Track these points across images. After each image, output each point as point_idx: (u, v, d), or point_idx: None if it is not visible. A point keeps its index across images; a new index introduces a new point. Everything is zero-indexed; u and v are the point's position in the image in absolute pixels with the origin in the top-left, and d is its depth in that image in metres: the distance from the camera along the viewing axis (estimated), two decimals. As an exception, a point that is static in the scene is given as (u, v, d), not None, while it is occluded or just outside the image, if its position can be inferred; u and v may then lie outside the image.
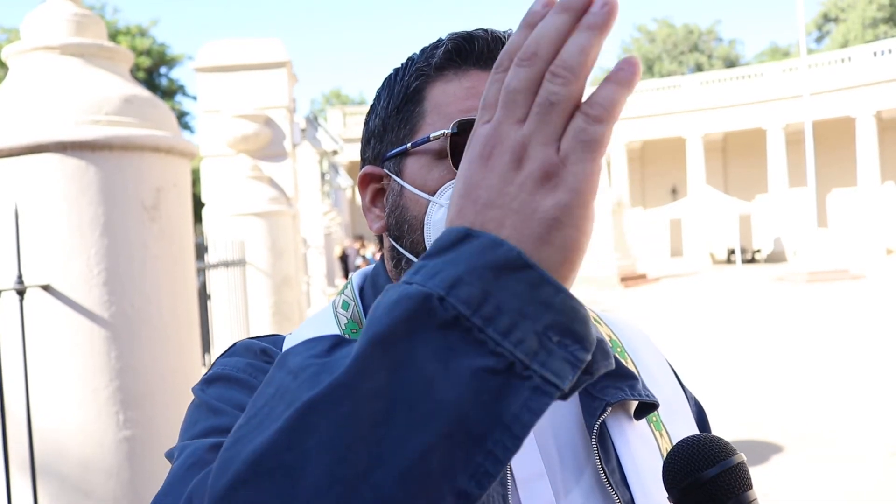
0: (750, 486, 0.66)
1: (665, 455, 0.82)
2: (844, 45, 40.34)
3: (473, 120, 0.75)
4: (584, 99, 0.46)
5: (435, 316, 0.43)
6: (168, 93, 33.33)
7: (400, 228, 0.80)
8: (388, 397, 0.42)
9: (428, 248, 0.76)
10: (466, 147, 0.49)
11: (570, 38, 0.45)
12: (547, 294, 0.43)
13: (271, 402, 0.47)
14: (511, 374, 0.42)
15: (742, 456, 0.68)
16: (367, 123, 0.87)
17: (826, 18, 46.06)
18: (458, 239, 0.45)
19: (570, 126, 0.45)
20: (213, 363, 0.80)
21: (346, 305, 0.84)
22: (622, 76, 0.45)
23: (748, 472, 0.67)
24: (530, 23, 0.48)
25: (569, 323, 0.43)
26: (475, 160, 0.47)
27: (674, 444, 0.83)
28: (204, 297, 4.49)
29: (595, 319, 0.93)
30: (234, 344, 0.82)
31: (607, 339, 0.89)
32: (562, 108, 0.45)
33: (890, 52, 29.15)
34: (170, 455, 0.70)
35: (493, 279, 0.43)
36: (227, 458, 0.45)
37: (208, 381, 0.76)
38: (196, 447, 0.65)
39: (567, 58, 0.45)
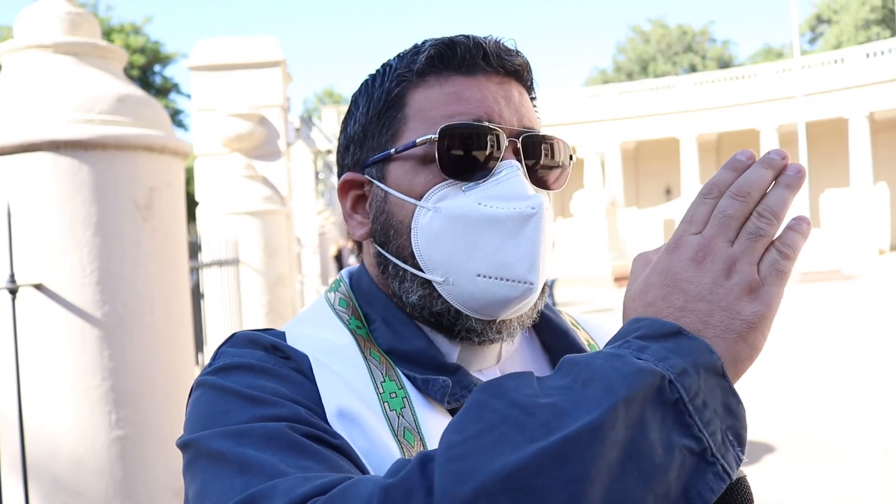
0: (751, 502, 0.66)
1: None
2: (837, 46, 40.48)
3: (458, 125, 0.76)
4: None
5: (663, 394, 0.52)
6: (162, 91, 33.22)
7: (385, 234, 0.80)
8: (624, 449, 0.50)
9: (415, 254, 0.77)
10: (671, 248, 0.62)
11: (771, 189, 0.62)
12: (733, 402, 0.55)
13: (500, 429, 0.51)
14: (702, 458, 0.52)
15: (743, 472, 0.68)
16: (344, 130, 0.86)
17: (819, 20, 46.23)
18: (671, 332, 0.56)
19: (767, 256, 0.60)
20: (218, 353, 0.76)
21: (343, 303, 0.83)
22: (804, 229, 0.61)
23: (749, 487, 0.67)
24: (735, 168, 0.63)
25: (740, 429, 0.55)
26: (687, 261, 0.60)
27: None
28: (197, 296, 4.48)
29: (574, 324, 0.93)
30: (235, 334, 0.78)
31: (586, 343, 0.89)
32: (765, 240, 0.60)
33: (882, 53, 29.29)
34: (190, 442, 0.65)
35: (706, 378, 0.54)
36: (462, 469, 0.49)
37: (223, 370, 0.71)
38: (274, 428, 0.62)
39: (772, 204, 0.61)
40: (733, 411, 0.54)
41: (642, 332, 0.57)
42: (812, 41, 47.29)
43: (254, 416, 0.64)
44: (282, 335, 0.78)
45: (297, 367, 0.72)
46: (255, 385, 0.68)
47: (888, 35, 39.55)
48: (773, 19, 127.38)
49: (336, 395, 0.71)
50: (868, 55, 29.80)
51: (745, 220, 0.61)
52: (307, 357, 0.73)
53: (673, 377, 0.52)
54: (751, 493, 0.67)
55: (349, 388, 0.72)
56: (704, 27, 51.72)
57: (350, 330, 0.80)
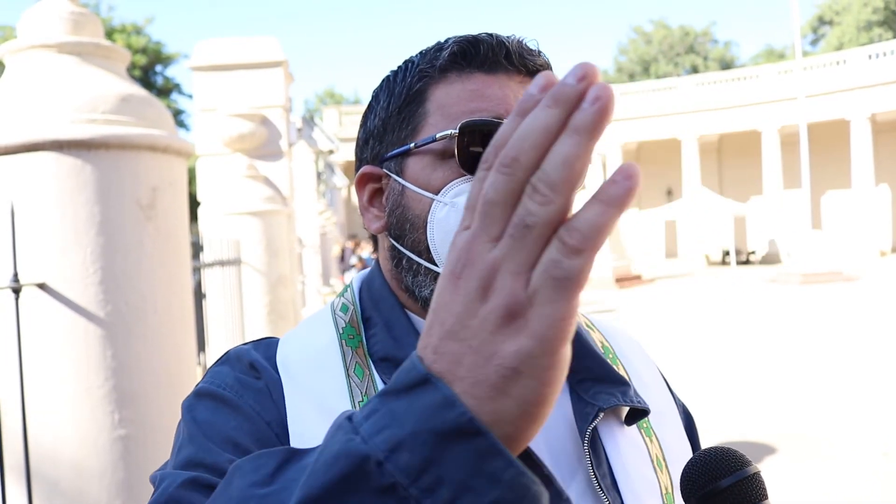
0: (765, 496, 0.68)
1: (656, 461, 0.83)
2: (839, 47, 40.46)
3: (478, 121, 0.76)
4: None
5: (371, 480, 0.40)
6: (164, 91, 33.25)
7: (401, 227, 0.81)
8: None
9: (430, 248, 0.77)
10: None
11: (557, 141, 0.38)
12: (496, 467, 0.38)
13: None
14: None
15: (757, 467, 0.69)
16: (364, 124, 0.87)
17: (821, 21, 46.20)
18: (415, 383, 0.41)
19: (544, 256, 0.39)
20: (207, 371, 0.80)
21: (345, 308, 0.84)
22: (613, 194, 0.38)
23: (763, 482, 0.69)
24: (524, 110, 0.40)
25: (517, 501, 0.38)
26: (447, 276, 0.42)
27: (664, 450, 0.84)
28: (199, 296, 4.48)
29: (588, 325, 0.93)
30: (228, 351, 0.82)
31: (600, 344, 0.89)
32: (538, 231, 0.38)
33: (884, 55, 29.25)
34: (154, 479, 0.70)
35: (438, 446, 0.39)
36: None
37: (198, 396, 0.76)
38: (171, 481, 0.66)
39: (550, 171, 0.38)
40: (499, 479, 0.38)
41: (390, 383, 0.43)
42: (814, 42, 47.26)
43: (186, 458, 0.68)
44: (275, 344, 0.81)
45: (265, 388, 0.75)
46: (208, 422, 0.72)
47: (890, 36, 39.53)
48: (775, 20, 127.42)
49: (303, 421, 0.72)
50: (870, 56, 29.74)
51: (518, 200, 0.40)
52: (279, 382, 0.76)
53: (382, 457, 0.39)
54: (765, 488, 0.68)
55: (321, 408, 0.73)
56: (706, 28, 51.70)
57: (341, 339, 0.80)
